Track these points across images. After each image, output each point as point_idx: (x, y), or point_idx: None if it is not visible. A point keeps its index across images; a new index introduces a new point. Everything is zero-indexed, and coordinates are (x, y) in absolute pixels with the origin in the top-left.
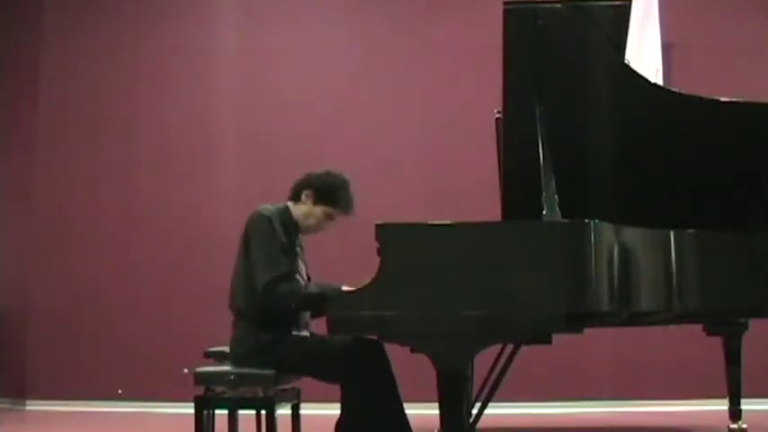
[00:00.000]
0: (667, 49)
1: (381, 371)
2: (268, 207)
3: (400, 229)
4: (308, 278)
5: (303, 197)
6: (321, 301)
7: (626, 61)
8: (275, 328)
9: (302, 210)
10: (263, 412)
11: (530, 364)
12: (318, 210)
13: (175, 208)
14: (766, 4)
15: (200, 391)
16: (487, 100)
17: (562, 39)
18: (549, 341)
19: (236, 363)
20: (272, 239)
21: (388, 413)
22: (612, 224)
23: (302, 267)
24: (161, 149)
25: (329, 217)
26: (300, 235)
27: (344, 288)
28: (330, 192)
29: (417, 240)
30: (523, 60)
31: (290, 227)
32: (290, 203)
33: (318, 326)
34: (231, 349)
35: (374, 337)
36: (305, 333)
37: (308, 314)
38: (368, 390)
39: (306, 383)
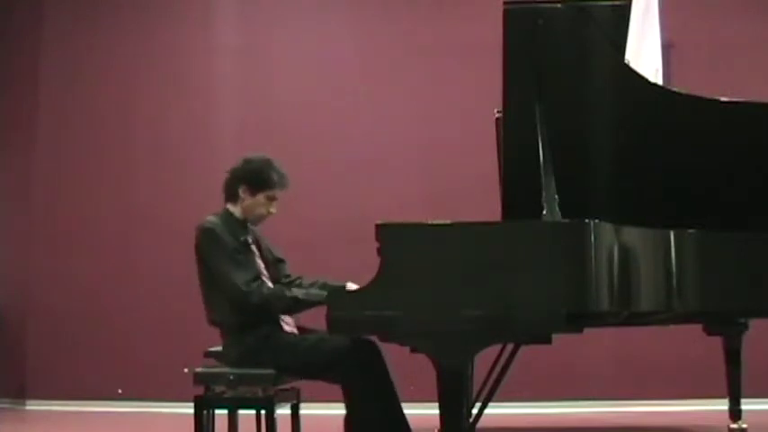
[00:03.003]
0: (667, 49)
1: (379, 371)
2: (209, 219)
3: (400, 229)
4: (280, 260)
5: (240, 194)
6: (306, 305)
7: (626, 61)
8: (259, 329)
9: (245, 205)
10: (263, 412)
11: (530, 364)
12: (260, 197)
13: (175, 207)
14: (766, 4)
15: (200, 391)
16: (487, 100)
17: (562, 39)
18: (549, 341)
19: (230, 367)
20: (226, 247)
21: (387, 413)
22: (612, 224)
23: (261, 265)
24: (160, 150)
25: (272, 199)
26: (253, 228)
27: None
28: (261, 177)
29: (417, 240)
30: (523, 60)
31: (237, 228)
32: (229, 206)
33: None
34: (224, 356)
35: (371, 338)
36: (290, 326)
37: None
38: (365, 390)
39: (306, 383)
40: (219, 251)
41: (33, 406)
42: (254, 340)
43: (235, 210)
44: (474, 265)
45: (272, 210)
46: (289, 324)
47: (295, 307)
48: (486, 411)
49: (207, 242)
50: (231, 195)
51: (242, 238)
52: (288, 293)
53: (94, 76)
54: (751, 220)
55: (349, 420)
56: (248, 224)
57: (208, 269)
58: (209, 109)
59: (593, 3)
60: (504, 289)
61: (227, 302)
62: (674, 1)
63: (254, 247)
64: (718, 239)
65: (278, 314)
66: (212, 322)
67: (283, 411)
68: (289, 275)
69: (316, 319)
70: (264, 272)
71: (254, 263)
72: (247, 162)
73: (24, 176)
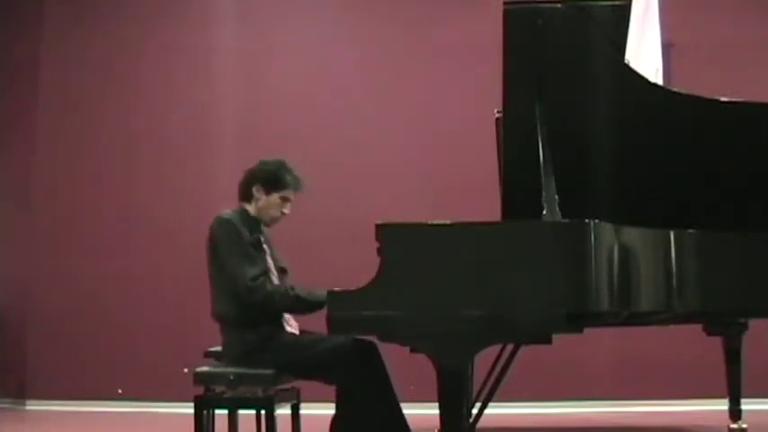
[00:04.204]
0: (667, 49)
1: (377, 372)
2: (226, 212)
3: (400, 229)
4: (284, 270)
5: (255, 193)
6: (308, 305)
7: (626, 61)
8: (261, 327)
9: (259, 205)
10: (263, 412)
11: (530, 364)
12: (274, 198)
13: (175, 207)
14: (766, 4)
15: (200, 391)
16: (487, 100)
17: (562, 39)
18: (549, 341)
19: (230, 366)
20: (241, 240)
21: (385, 414)
22: (612, 224)
23: (271, 263)
24: (160, 150)
25: (286, 200)
26: (265, 229)
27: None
28: (276, 177)
29: (417, 240)
30: (523, 60)
31: (252, 226)
32: (244, 204)
33: (312, 323)
34: (224, 355)
35: (369, 338)
36: (292, 328)
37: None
38: (364, 390)
39: (306, 383)
40: (234, 243)
41: (33, 406)
42: (256, 338)
43: (250, 208)
44: (474, 265)
45: (286, 211)
46: (291, 326)
47: (297, 305)
48: (486, 411)
49: (223, 233)
50: (246, 195)
51: (255, 236)
52: (291, 292)
53: (95, 76)
54: (751, 220)
55: (336, 421)
56: (261, 225)
57: (219, 260)
58: (209, 109)
59: (593, 3)
60: (504, 289)
61: (232, 295)
62: (674, 1)
63: (265, 246)
64: (718, 239)
65: (280, 311)
66: (216, 315)
67: (283, 411)
68: (292, 287)
69: (319, 323)
70: (274, 271)
71: (265, 260)
72: (263, 163)
73: (24, 176)
